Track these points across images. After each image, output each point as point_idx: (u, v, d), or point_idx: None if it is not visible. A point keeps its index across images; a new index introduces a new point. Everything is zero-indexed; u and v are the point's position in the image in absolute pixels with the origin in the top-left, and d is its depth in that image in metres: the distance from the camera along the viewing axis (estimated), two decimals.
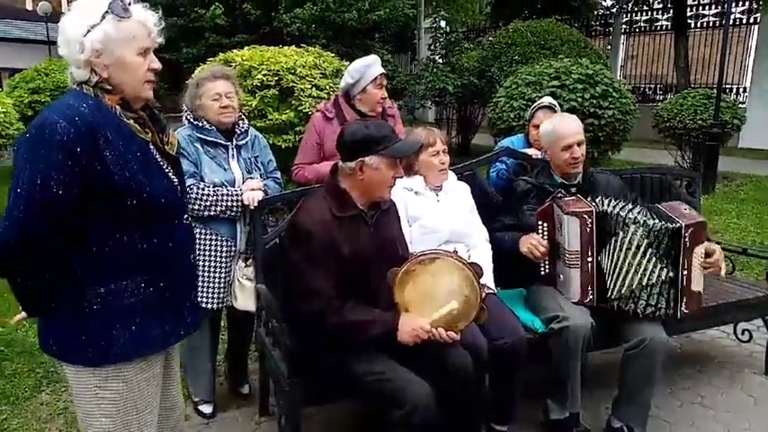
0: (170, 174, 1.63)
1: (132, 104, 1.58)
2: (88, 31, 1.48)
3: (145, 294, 1.56)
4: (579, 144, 2.75)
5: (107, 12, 1.49)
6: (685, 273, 2.51)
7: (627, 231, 2.50)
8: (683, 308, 2.55)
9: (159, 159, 1.61)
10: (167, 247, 1.60)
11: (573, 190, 2.78)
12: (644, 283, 2.52)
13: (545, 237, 2.66)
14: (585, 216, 2.53)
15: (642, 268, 2.51)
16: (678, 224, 2.49)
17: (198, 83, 2.69)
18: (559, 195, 2.70)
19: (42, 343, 1.59)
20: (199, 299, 2.64)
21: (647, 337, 2.50)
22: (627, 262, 2.52)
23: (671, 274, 2.51)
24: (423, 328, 2.14)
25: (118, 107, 1.55)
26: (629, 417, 2.60)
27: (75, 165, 1.42)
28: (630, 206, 2.60)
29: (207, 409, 2.85)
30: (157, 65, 1.60)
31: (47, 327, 1.58)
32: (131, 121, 1.56)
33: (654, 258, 2.50)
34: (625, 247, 2.51)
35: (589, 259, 2.55)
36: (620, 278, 2.54)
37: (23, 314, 1.66)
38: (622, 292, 2.55)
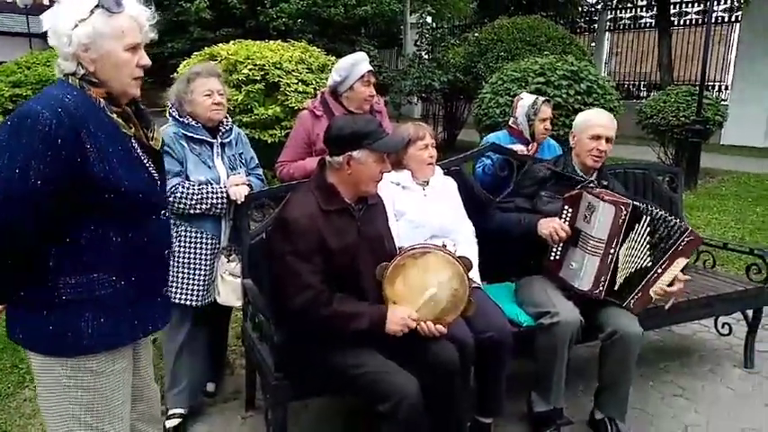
0: (151, 169, 1.62)
1: (118, 99, 1.57)
2: (76, 25, 1.47)
3: (116, 287, 1.55)
4: (608, 140, 2.80)
5: (97, 6, 1.48)
6: (659, 272, 2.59)
7: (644, 225, 2.57)
8: (632, 301, 2.62)
9: (141, 155, 1.60)
10: (142, 242, 1.59)
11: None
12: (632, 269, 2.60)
13: (566, 222, 2.67)
14: (623, 207, 2.55)
15: (636, 256, 2.60)
16: (687, 227, 2.58)
17: (189, 78, 2.66)
18: (591, 185, 2.73)
19: (9, 331, 1.57)
20: (183, 296, 2.63)
21: (619, 329, 2.55)
22: (634, 254, 2.59)
23: (649, 263, 2.58)
24: (410, 317, 2.16)
25: (102, 100, 1.53)
26: (608, 408, 2.65)
27: (56, 156, 1.40)
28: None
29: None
30: (146, 61, 1.58)
31: (14, 315, 1.56)
32: (115, 116, 1.54)
33: (649, 246, 2.57)
34: (638, 240, 2.58)
35: (612, 250, 2.58)
36: (625, 270, 2.61)
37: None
38: (620, 282, 2.61)
